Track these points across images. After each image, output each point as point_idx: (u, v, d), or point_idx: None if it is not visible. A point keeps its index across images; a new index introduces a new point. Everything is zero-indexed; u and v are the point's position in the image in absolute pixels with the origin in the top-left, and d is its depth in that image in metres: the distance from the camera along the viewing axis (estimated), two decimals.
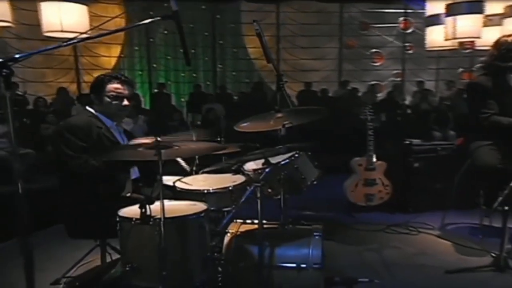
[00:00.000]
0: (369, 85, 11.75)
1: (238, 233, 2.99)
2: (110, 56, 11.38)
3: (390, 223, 4.61)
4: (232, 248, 2.89)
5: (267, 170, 2.69)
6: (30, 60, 10.20)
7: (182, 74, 11.92)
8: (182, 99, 11.65)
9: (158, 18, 2.44)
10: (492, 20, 7.50)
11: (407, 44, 12.62)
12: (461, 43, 8.01)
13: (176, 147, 2.65)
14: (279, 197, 3.23)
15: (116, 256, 3.49)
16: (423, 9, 9.83)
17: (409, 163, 4.98)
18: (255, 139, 3.65)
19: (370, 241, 4.21)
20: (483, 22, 7.16)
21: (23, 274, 3.04)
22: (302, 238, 2.90)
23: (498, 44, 4.18)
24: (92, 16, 6.42)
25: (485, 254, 3.89)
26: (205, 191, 3.15)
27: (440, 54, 11.30)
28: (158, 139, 2.48)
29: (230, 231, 3.03)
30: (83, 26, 6.46)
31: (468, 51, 9.93)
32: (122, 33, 11.41)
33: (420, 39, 12.00)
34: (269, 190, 3.63)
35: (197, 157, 3.70)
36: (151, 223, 2.54)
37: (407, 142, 5.22)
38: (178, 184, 3.23)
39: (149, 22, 3.46)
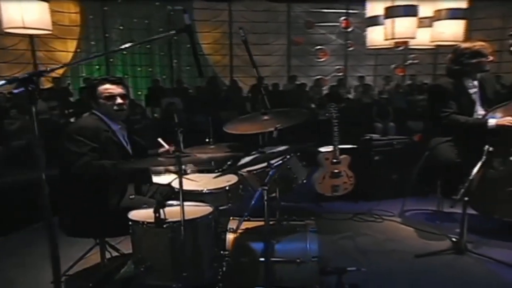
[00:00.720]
0: (315, 79, 11.94)
1: (240, 230, 3.02)
2: (67, 51, 10.94)
3: (356, 212, 4.67)
4: (236, 245, 2.91)
5: (271, 173, 2.70)
6: None
7: (139, 69, 11.63)
8: (139, 93, 11.39)
9: (173, 32, 2.41)
10: (423, 22, 7.81)
11: (348, 42, 12.88)
12: (397, 42, 8.26)
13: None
14: (274, 195, 3.27)
15: (114, 253, 3.45)
16: (363, 10, 10.10)
17: (370, 156, 5.13)
18: (238, 139, 3.67)
19: (343, 229, 4.23)
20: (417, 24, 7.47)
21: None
22: (299, 233, 2.95)
23: (455, 50, 4.38)
24: None
25: (444, 238, 4.01)
26: (204, 191, 3.18)
27: (378, 52, 11.62)
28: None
29: (231, 227, 3.05)
30: (44, 22, 6.23)
31: (400, 48, 10.24)
32: (77, 28, 11.04)
33: (359, 37, 12.34)
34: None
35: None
36: (165, 226, 2.54)
37: (367, 137, 5.38)
38: (176, 185, 3.21)
39: (164, 36, 3.42)
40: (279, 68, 12.41)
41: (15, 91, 2.36)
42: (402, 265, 3.58)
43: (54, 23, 6.01)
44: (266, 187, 2.62)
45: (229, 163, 3.86)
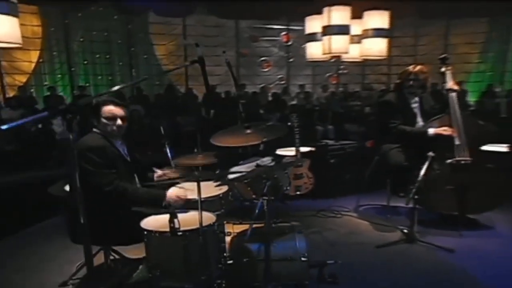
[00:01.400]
0: (261, 87, 12.12)
1: (235, 233, 3.12)
2: (30, 61, 10.49)
3: (318, 209, 4.89)
4: (236, 247, 3.00)
5: (268, 183, 2.81)
6: None
7: (99, 77, 11.32)
8: None
9: (188, 63, 2.51)
10: (353, 39, 8.19)
11: (288, 54, 13.17)
12: (332, 56, 8.59)
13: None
14: (260, 201, 3.38)
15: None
16: (301, 26, 10.40)
17: (327, 159, 5.37)
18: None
19: (311, 225, 4.40)
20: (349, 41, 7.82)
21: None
22: (289, 234, 3.09)
23: (402, 73, 4.71)
24: None
25: (395, 229, 4.28)
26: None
27: (315, 63, 11.95)
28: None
29: (228, 231, 3.15)
30: (14, 36, 6.01)
31: (333, 60, 10.62)
32: (40, 40, 10.61)
33: (298, 49, 12.70)
34: (253, 196, 3.78)
35: None
36: (179, 234, 2.60)
37: (324, 143, 5.61)
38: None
39: (181, 67, 3.44)
40: (228, 77, 12.45)
41: (53, 120, 2.38)
42: (366, 255, 3.77)
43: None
44: (266, 198, 2.74)
45: (217, 172, 3.93)
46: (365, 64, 12.01)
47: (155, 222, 2.83)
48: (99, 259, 3.24)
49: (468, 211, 4.33)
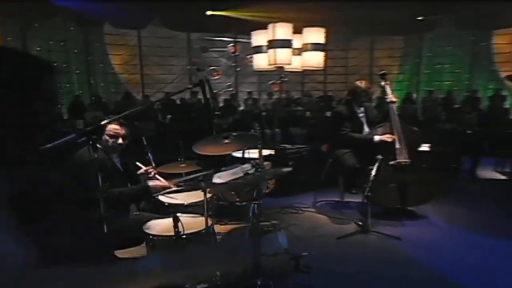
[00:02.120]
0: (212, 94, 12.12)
1: (224, 233, 3.18)
2: None
3: (281, 206, 4.99)
4: (230, 244, 3.06)
5: (256, 190, 2.90)
6: None
7: (58, 85, 10.78)
8: (59, 106, 10.57)
9: (191, 86, 2.57)
10: (295, 52, 8.48)
11: (235, 63, 13.26)
12: (277, 67, 8.82)
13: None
14: (244, 203, 3.47)
15: None
16: (248, 39, 10.54)
17: (285, 161, 5.53)
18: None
19: (278, 221, 4.55)
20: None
21: None
22: (271, 232, 3.20)
23: (351, 87, 4.99)
24: None
25: (349, 222, 4.48)
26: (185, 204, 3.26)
27: (259, 72, 12.15)
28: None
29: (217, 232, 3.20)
30: None
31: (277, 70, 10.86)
32: None
33: (244, 59, 12.86)
34: (237, 199, 3.84)
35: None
36: (184, 237, 2.64)
37: (282, 147, 5.77)
38: (164, 199, 3.29)
39: (184, 90, 3.46)
40: (182, 85, 12.36)
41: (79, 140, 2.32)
42: (329, 246, 3.93)
43: None
44: (257, 202, 2.85)
45: (200, 179, 3.95)
46: (304, 73, 12.35)
47: (157, 227, 2.84)
48: None
49: (408, 204, 4.65)
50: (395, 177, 4.50)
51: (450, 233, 4.29)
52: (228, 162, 4.12)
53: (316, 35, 8.22)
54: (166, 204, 3.26)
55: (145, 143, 4.11)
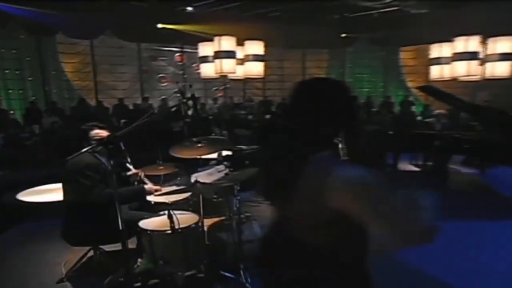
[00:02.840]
0: (161, 99, 11.98)
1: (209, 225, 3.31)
2: None
3: (243, 200, 5.14)
4: (212, 235, 3.21)
5: (237, 187, 3.08)
6: None
7: (10, 91, 10.10)
8: (11, 111, 9.88)
9: (184, 100, 2.72)
10: (238, 62, 8.74)
11: (182, 71, 13.19)
12: (222, 75, 9.01)
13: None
14: (220, 199, 3.61)
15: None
16: (193, 48, 10.63)
17: (243, 161, 5.69)
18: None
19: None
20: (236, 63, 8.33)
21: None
22: (247, 223, 3.40)
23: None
24: None
25: None
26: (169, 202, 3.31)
27: (206, 80, 12.21)
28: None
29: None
30: None
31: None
32: None
33: (189, 67, 12.86)
34: (214, 196, 3.95)
35: None
36: (180, 231, 2.76)
37: (238, 148, 5.92)
38: (152, 198, 3.34)
39: (180, 104, 3.52)
40: (133, 91, 12.11)
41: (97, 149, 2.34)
42: None
43: None
44: (238, 198, 3.03)
45: (178, 178, 4.03)
46: (245, 80, 12.60)
47: (152, 223, 2.92)
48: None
49: None
50: None
51: None
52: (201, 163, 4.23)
53: (256, 47, 8.53)
54: (153, 203, 3.30)
55: (123, 147, 4.09)
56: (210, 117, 11.12)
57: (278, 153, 1.32)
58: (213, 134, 9.73)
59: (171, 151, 3.66)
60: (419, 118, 9.74)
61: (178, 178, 4.04)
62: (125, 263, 2.94)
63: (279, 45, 12.65)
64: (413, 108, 10.80)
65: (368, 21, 11.54)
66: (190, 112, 3.04)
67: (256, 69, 8.92)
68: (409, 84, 12.86)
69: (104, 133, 3.14)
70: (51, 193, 3.53)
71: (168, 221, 2.77)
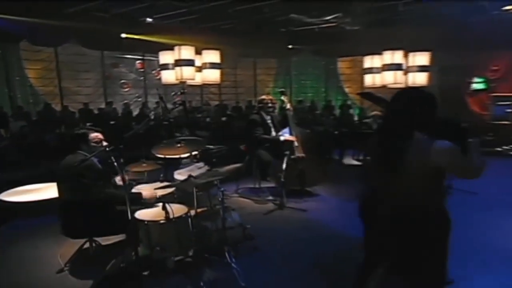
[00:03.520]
0: (123, 103, 11.73)
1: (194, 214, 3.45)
2: None
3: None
4: (199, 223, 3.37)
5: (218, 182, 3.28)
6: None
7: None
8: None
9: (177, 106, 2.90)
10: (197, 69, 8.85)
11: (142, 77, 12.95)
12: (182, 82, 9.05)
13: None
14: (201, 193, 3.76)
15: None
16: (153, 56, 10.53)
17: (210, 159, 5.84)
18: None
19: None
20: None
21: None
22: (227, 212, 3.59)
23: (259, 99, 5.59)
24: None
25: (267, 202, 4.97)
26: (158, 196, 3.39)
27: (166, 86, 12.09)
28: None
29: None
30: None
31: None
32: None
33: (149, 74, 12.66)
34: (196, 189, 4.07)
35: None
36: (174, 220, 2.91)
37: (208, 148, 6.06)
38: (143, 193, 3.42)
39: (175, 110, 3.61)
40: (97, 96, 11.73)
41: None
42: (259, 220, 4.33)
43: None
44: (222, 189, 3.23)
45: (161, 175, 4.14)
46: (203, 87, 12.65)
47: (146, 214, 3.04)
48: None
49: (305, 186, 5.40)
50: (295, 167, 5.16)
51: (335, 203, 5.11)
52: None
53: (213, 55, 8.68)
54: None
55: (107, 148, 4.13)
56: (171, 120, 11.08)
57: (387, 140, 1.90)
58: (176, 135, 9.79)
59: (153, 150, 3.77)
60: (356, 119, 10.44)
61: (161, 175, 4.16)
62: (126, 250, 3.05)
63: (232, 54, 12.84)
64: (351, 111, 11.53)
65: (310, 35, 12.13)
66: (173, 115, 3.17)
67: (213, 75, 8.99)
68: (347, 90, 13.69)
69: (101, 135, 3.21)
70: (33, 193, 3.55)
71: (161, 212, 2.91)
